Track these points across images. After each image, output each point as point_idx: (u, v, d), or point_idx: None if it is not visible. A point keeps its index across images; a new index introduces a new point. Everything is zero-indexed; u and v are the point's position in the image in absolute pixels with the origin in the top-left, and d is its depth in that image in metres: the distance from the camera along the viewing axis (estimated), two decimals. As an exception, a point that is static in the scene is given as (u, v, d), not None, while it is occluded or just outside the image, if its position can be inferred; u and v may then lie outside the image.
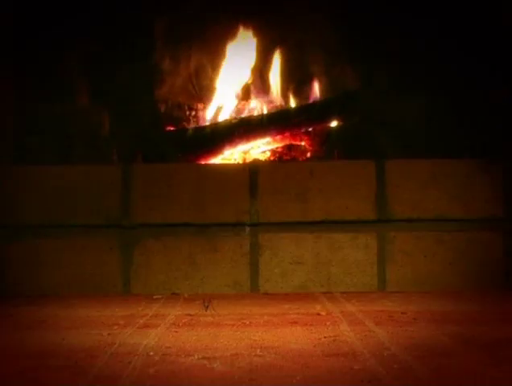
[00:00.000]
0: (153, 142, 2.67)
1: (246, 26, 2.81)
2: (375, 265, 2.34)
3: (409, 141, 2.63)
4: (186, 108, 2.79)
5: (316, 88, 2.80)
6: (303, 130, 2.70)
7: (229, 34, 2.81)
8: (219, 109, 2.80)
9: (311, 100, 2.80)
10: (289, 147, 2.71)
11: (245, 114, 2.78)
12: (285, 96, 2.82)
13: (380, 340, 1.48)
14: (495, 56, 2.53)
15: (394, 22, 2.69)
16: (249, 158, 2.67)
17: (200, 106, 2.81)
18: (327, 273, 2.34)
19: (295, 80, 2.83)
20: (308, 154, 2.69)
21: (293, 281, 2.33)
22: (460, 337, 1.50)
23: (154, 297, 2.23)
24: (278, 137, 2.71)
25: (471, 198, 2.36)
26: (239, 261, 2.34)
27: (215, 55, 2.82)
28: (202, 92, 2.84)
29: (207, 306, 1.93)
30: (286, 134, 2.71)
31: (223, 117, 2.77)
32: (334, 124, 2.73)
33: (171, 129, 2.75)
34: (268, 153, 2.71)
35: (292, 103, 2.82)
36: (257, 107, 2.82)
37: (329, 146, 2.66)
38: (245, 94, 2.84)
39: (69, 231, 2.33)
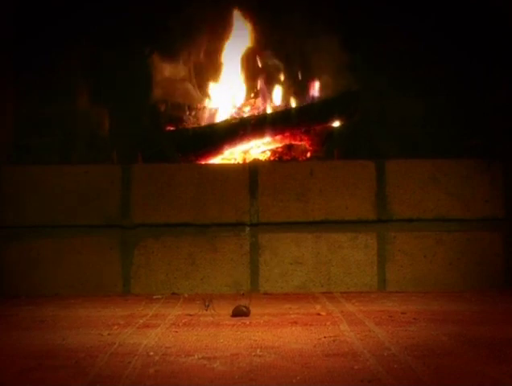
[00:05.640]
0: (153, 142, 2.67)
1: (247, 26, 2.81)
2: (375, 265, 2.34)
3: (409, 141, 2.63)
4: (186, 108, 2.79)
5: (316, 88, 2.80)
6: (303, 130, 2.70)
7: (229, 34, 2.81)
8: (219, 109, 2.80)
9: (311, 100, 2.80)
10: (289, 147, 2.71)
11: (245, 114, 2.78)
12: (285, 96, 2.82)
13: (380, 340, 1.48)
14: (495, 56, 2.53)
15: (394, 22, 2.69)
16: (249, 158, 2.67)
17: (200, 106, 2.81)
18: (327, 273, 2.34)
19: (295, 79, 2.83)
20: (308, 154, 2.69)
21: (293, 281, 2.33)
22: (460, 337, 1.50)
23: (154, 297, 2.23)
24: (278, 137, 2.71)
25: (471, 198, 2.36)
26: (239, 261, 2.33)
27: (215, 54, 2.82)
28: (202, 92, 2.84)
29: (207, 306, 1.93)
30: (287, 134, 2.71)
31: (223, 117, 2.77)
32: (334, 124, 2.73)
33: (171, 129, 2.75)
34: (268, 153, 2.71)
35: (292, 103, 2.82)
36: (257, 107, 2.82)
37: (329, 146, 2.66)
38: (245, 94, 2.84)
39: (69, 231, 2.33)
